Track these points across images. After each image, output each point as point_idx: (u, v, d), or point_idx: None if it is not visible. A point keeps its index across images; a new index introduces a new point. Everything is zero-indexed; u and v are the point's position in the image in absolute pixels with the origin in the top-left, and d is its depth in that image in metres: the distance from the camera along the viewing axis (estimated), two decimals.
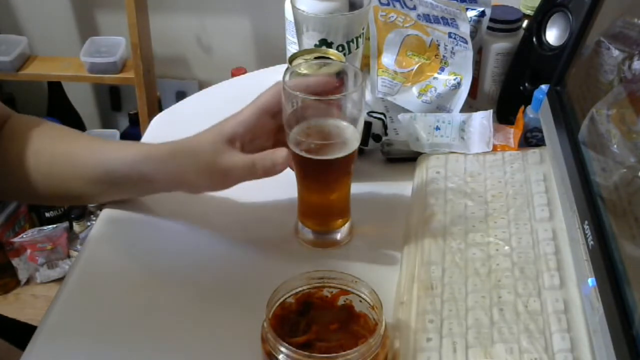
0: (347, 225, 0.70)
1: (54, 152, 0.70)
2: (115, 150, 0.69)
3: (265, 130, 0.68)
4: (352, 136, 0.64)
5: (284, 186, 0.76)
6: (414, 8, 0.85)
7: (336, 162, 0.64)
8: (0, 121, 0.72)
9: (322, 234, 0.70)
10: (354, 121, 0.64)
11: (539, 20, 0.82)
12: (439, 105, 0.86)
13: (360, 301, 0.56)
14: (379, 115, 0.81)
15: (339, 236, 0.70)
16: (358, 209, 0.74)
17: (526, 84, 0.84)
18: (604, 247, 0.53)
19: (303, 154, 0.64)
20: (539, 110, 0.76)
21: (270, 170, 0.64)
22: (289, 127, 0.64)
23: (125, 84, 1.91)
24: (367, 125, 0.79)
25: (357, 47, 0.81)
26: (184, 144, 0.67)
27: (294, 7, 0.80)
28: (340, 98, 0.63)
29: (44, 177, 0.69)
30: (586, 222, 0.56)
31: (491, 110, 0.81)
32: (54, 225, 1.90)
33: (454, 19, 0.82)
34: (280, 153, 0.63)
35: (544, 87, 0.77)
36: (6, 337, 0.85)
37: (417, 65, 0.87)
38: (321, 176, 0.67)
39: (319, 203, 0.70)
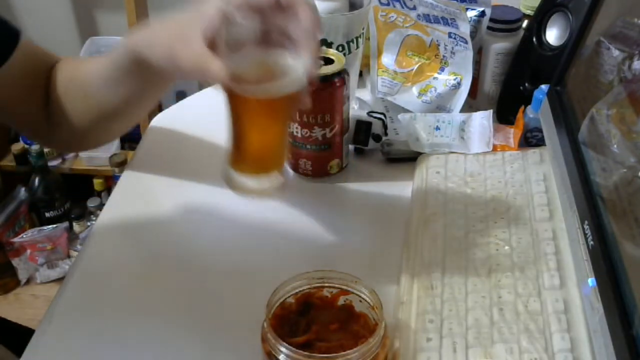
0: (280, 173, 0.63)
1: (82, 72, 0.73)
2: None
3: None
4: (298, 72, 0.55)
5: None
6: (414, 8, 0.85)
7: (278, 101, 0.56)
8: (49, 64, 0.76)
9: (254, 181, 0.62)
10: (304, 54, 0.55)
11: (539, 20, 0.82)
12: (439, 105, 0.86)
13: (360, 301, 0.56)
14: (379, 115, 0.81)
15: (270, 183, 0.62)
16: (358, 209, 0.74)
17: (526, 84, 0.84)
18: (604, 247, 0.53)
19: (238, 88, 0.56)
20: (539, 110, 0.76)
21: (200, 76, 0.58)
22: (225, 56, 0.55)
23: None
24: (367, 125, 0.79)
25: (357, 47, 0.81)
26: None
27: None
28: (287, 24, 0.54)
29: (82, 102, 0.72)
30: (586, 222, 0.56)
31: (491, 110, 0.81)
32: (54, 225, 1.90)
33: (454, 19, 0.82)
34: (215, 65, 0.54)
35: (544, 87, 0.77)
36: (1, 340, 0.85)
37: (417, 65, 0.87)
38: (257, 116, 0.59)
39: (251, 146, 0.62)
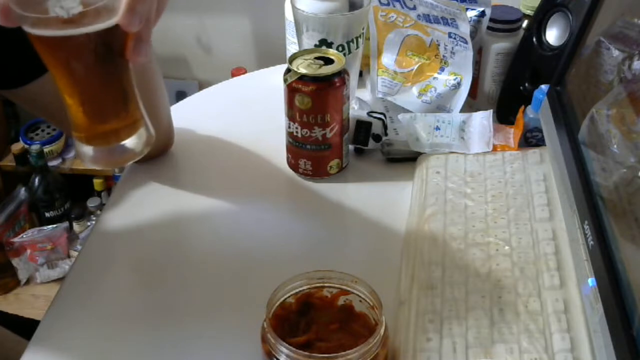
0: (139, 131, 0.54)
1: None
2: None
3: None
4: (109, 6, 0.47)
5: (285, 186, 0.77)
6: (414, 8, 0.85)
7: (94, 39, 0.47)
8: None
9: (106, 147, 0.54)
10: None
11: (539, 20, 0.82)
12: (439, 105, 0.86)
13: (360, 301, 0.56)
14: (379, 115, 0.81)
15: (128, 145, 0.53)
16: (358, 209, 0.74)
17: (526, 84, 0.84)
18: (604, 247, 0.53)
19: (39, 31, 0.47)
20: (539, 110, 0.76)
21: None
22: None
23: None
24: (367, 125, 0.79)
25: (357, 47, 0.81)
26: None
27: (294, 7, 0.80)
28: None
29: None
30: (586, 222, 0.56)
31: (491, 110, 0.81)
32: (54, 225, 1.90)
33: (454, 19, 0.82)
34: None
35: (544, 87, 0.77)
36: (15, 330, 0.86)
37: (417, 65, 0.87)
38: (80, 64, 0.50)
39: (87, 105, 0.52)
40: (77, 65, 0.50)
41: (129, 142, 0.54)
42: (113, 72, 0.51)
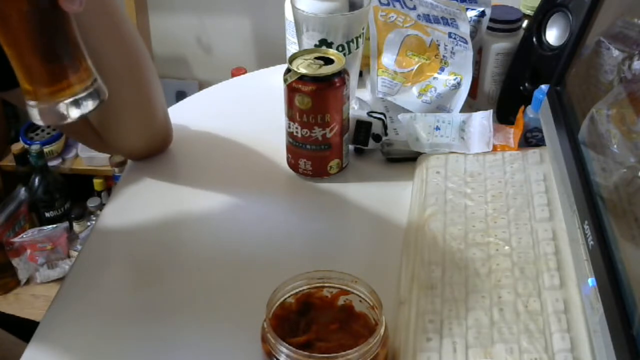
0: (87, 84, 0.53)
1: None
2: None
3: None
4: None
5: (285, 186, 0.77)
6: (414, 8, 0.85)
7: None
8: None
9: (54, 102, 0.52)
10: None
11: (539, 20, 0.82)
12: (439, 105, 0.86)
13: (360, 301, 0.56)
14: (379, 115, 0.81)
15: (77, 99, 0.52)
16: (358, 209, 0.74)
17: (526, 84, 0.84)
18: (604, 247, 0.53)
19: None
20: (539, 110, 0.76)
21: None
22: None
23: None
24: (367, 125, 0.79)
25: (357, 47, 0.81)
26: None
27: (294, 7, 0.80)
28: None
29: None
30: (586, 222, 0.56)
31: (491, 110, 0.81)
32: (54, 225, 1.90)
33: (454, 19, 0.82)
34: None
35: (544, 87, 0.77)
36: (13, 332, 0.86)
37: (417, 65, 0.87)
38: (15, 13, 0.50)
39: (31, 57, 0.52)
40: (13, 14, 0.49)
41: (79, 97, 0.52)
42: (52, 21, 0.51)
